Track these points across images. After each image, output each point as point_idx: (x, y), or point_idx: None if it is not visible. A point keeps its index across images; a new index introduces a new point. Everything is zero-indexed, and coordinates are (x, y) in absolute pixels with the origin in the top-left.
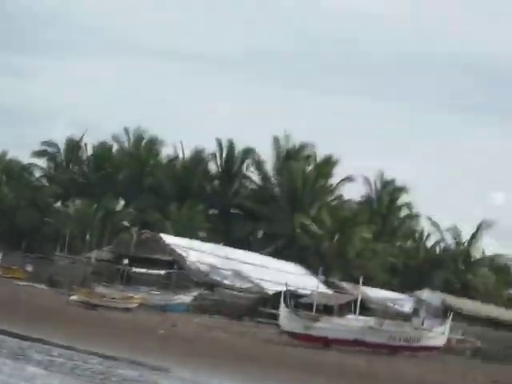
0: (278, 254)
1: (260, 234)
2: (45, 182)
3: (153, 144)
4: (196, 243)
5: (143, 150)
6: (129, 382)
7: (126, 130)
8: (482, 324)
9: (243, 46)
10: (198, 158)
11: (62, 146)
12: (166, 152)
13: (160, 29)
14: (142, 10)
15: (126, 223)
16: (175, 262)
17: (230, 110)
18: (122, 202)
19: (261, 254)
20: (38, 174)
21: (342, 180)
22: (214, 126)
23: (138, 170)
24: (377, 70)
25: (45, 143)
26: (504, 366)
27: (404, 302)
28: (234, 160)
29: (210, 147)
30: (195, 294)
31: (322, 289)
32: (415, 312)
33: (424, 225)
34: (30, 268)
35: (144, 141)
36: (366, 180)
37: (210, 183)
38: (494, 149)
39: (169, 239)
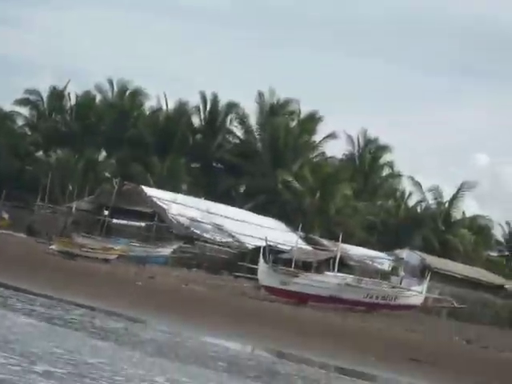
0: (259, 210)
1: (242, 188)
2: (27, 130)
3: (136, 95)
4: (177, 196)
5: (126, 101)
6: (114, 333)
7: (110, 81)
8: (460, 284)
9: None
10: (182, 111)
11: (45, 95)
12: (149, 104)
13: None
14: None
15: (107, 174)
16: (156, 215)
17: (214, 63)
18: (103, 153)
19: (242, 208)
20: (20, 122)
21: (325, 137)
22: (199, 80)
23: (120, 121)
24: (365, 30)
25: (27, 91)
26: (479, 326)
27: (383, 261)
28: (217, 114)
29: (194, 100)
30: (175, 246)
31: (302, 245)
32: (394, 270)
33: (405, 184)
34: (6, 215)
35: (127, 92)
36: (349, 138)
37: (192, 136)
38: (479, 110)
39: (150, 191)
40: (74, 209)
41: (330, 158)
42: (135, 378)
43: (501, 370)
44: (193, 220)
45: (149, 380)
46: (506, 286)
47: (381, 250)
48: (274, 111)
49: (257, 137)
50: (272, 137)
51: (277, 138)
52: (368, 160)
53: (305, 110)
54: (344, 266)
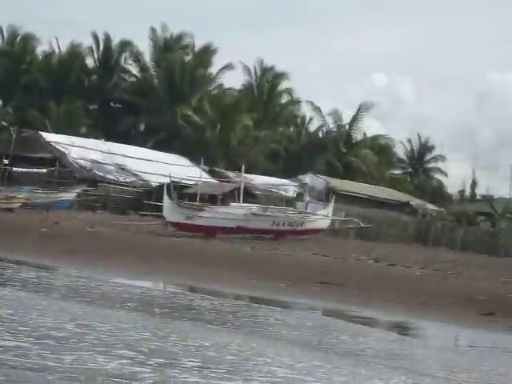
0: (160, 146)
1: (142, 127)
2: None
3: (27, 41)
4: (77, 139)
5: (17, 47)
6: (23, 282)
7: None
8: (366, 204)
9: None
10: (75, 53)
11: None
12: (41, 49)
13: None
14: None
15: (4, 123)
16: (57, 160)
17: (103, 3)
18: None
19: (143, 147)
20: None
21: (222, 68)
22: (91, 21)
23: (13, 68)
24: None
25: None
26: (387, 244)
27: (288, 187)
28: (111, 53)
29: (87, 42)
30: (78, 190)
31: (206, 178)
32: (299, 196)
33: (305, 110)
34: None
35: (18, 38)
36: (246, 68)
37: (88, 78)
38: (375, 31)
39: (49, 137)
40: None
41: (229, 89)
42: (42, 327)
43: (409, 286)
44: (94, 162)
45: (59, 328)
46: (411, 203)
47: (285, 177)
48: (168, 46)
49: (153, 73)
50: (168, 72)
51: (173, 73)
52: (266, 89)
53: (199, 43)
54: (249, 195)
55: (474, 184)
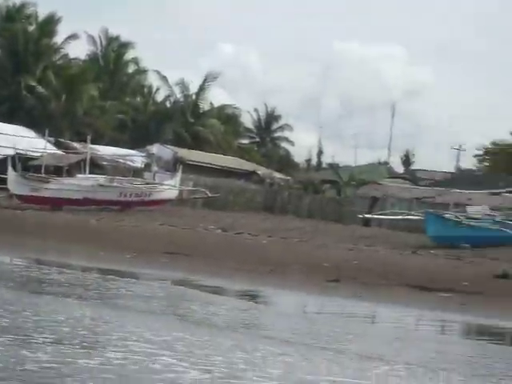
0: (4, 118)
1: None
2: None
3: None
4: None
5: None
6: None
7: None
8: (214, 174)
9: None
10: None
11: None
12: None
13: None
14: None
15: None
16: None
17: None
18: None
19: None
20: None
21: (67, 38)
22: None
23: None
24: None
25: None
26: (233, 214)
27: (135, 158)
28: None
29: None
30: None
31: (52, 150)
32: (146, 167)
33: (152, 80)
34: None
35: None
36: (91, 37)
37: None
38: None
39: None
40: None
41: (74, 59)
42: None
43: (256, 254)
44: None
45: None
46: (258, 172)
47: (133, 148)
48: (10, 16)
49: None
50: (11, 42)
51: (16, 43)
52: (112, 58)
53: (42, 12)
54: (96, 166)
55: (320, 153)
